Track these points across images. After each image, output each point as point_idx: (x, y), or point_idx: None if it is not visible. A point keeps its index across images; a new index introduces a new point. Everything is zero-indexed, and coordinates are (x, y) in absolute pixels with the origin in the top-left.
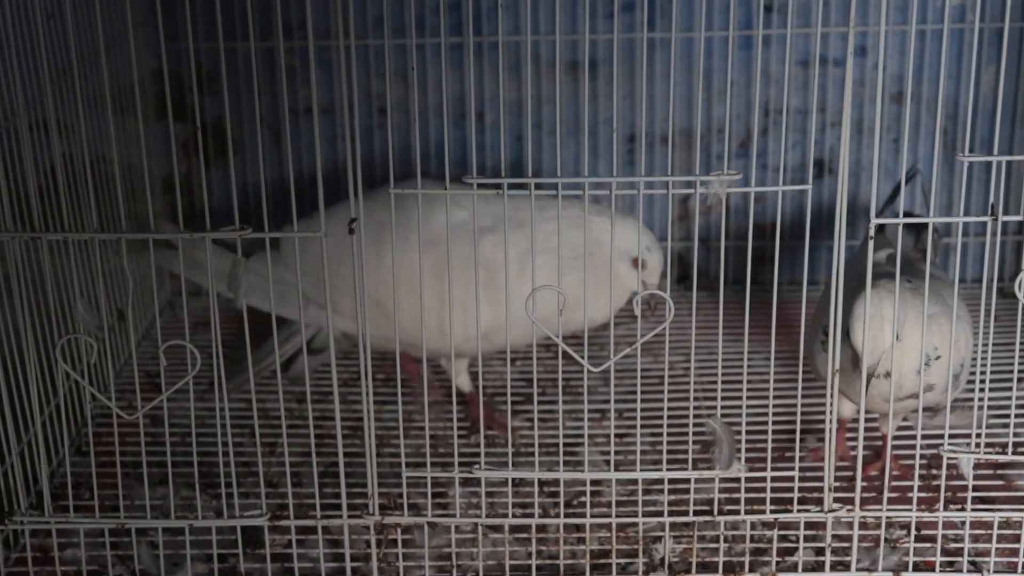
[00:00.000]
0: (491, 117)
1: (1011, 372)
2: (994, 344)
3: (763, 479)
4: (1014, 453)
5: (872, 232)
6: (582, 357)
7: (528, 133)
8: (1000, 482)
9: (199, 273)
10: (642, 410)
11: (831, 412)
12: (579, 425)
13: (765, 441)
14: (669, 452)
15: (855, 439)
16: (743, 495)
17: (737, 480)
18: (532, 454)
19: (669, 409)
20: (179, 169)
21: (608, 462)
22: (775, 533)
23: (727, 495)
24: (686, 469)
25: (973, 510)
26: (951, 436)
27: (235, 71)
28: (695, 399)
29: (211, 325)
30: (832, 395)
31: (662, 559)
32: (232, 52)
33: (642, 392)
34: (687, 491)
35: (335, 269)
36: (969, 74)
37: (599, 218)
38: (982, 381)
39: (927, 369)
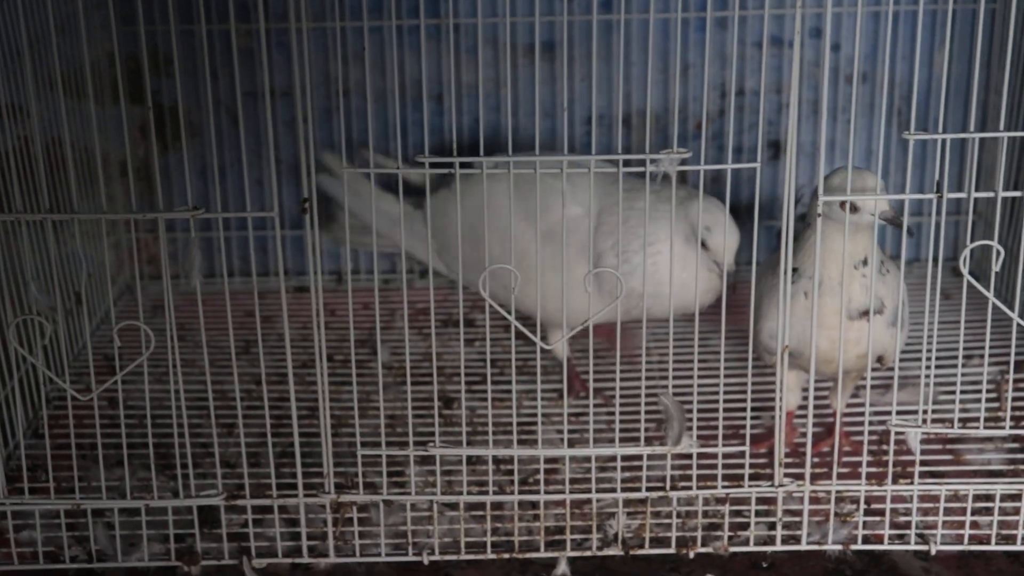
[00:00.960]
0: (450, 99)
1: (957, 348)
2: (946, 321)
3: (715, 455)
4: (961, 427)
5: (820, 210)
6: (534, 335)
7: (482, 114)
8: (949, 456)
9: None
10: (596, 388)
11: (781, 381)
12: (535, 404)
13: (716, 418)
14: (624, 430)
15: (804, 423)
16: (695, 471)
17: (690, 456)
18: (487, 433)
19: (622, 387)
20: (136, 152)
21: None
22: (727, 508)
23: (681, 471)
24: (639, 445)
25: (921, 484)
26: (899, 412)
27: (192, 54)
28: (648, 377)
29: (166, 307)
30: (782, 362)
31: (616, 535)
32: (189, 34)
33: (596, 370)
34: (642, 468)
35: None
36: (916, 55)
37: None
38: (929, 357)
39: (880, 278)
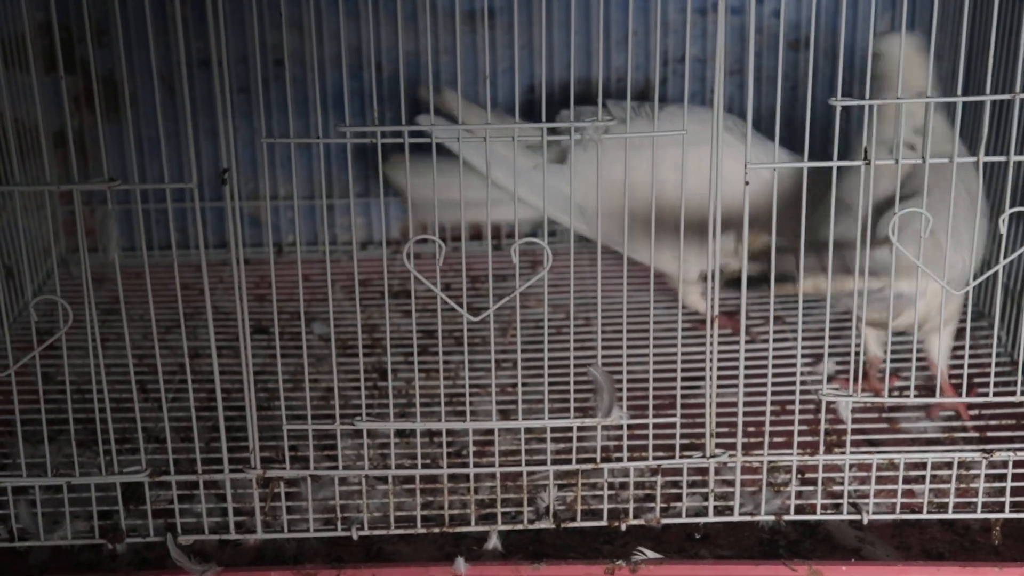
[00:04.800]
0: (388, 69)
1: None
2: None
3: (646, 426)
4: (890, 396)
5: (748, 179)
6: (461, 306)
7: (395, 82)
8: (885, 424)
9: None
10: (527, 360)
11: (711, 355)
12: (471, 376)
13: (647, 388)
14: (556, 401)
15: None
16: (626, 443)
17: (622, 428)
18: (423, 405)
19: (553, 358)
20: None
21: (499, 412)
22: (659, 480)
23: (615, 443)
24: (568, 417)
25: (853, 453)
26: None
27: (126, 23)
28: (576, 348)
29: (83, 280)
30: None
31: (547, 507)
32: (123, 3)
33: (528, 342)
34: (578, 440)
35: None
36: (850, 23)
37: None
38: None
39: None
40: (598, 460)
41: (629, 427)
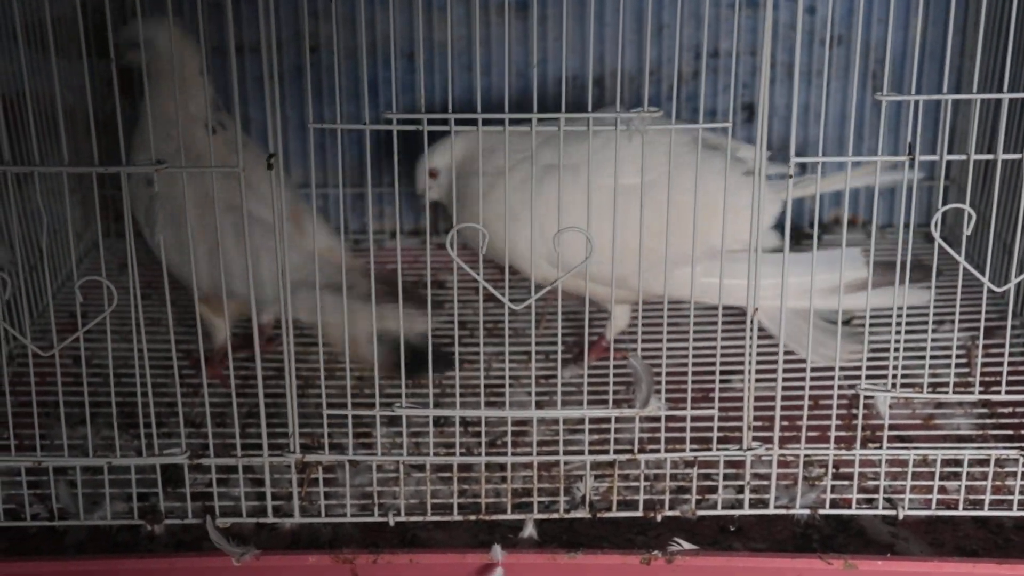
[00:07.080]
0: (430, 57)
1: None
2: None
3: (683, 418)
4: (930, 392)
5: (792, 171)
6: (503, 295)
7: (451, 72)
8: (919, 421)
9: None
10: (566, 351)
11: (751, 349)
12: (507, 365)
13: (685, 380)
14: (592, 392)
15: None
16: (663, 434)
17: (659, 419)
18: (457, 394)
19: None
20: (103, 107)
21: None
22: (695, 472)
23: (650, 434)
24: (607, 408)
25: (889, 448)
26: (868, 376)
27: (161, 7)
28: (616, 339)
29: (128, 264)
30: (752, 329)
31: (583, 497)
32: None
33: (566, 334)
34: (613, 431)
35: None
36: (891, 18)
37: None
38: (899, 321)
39: None
40: (635, 451)
41: (666, 419)
